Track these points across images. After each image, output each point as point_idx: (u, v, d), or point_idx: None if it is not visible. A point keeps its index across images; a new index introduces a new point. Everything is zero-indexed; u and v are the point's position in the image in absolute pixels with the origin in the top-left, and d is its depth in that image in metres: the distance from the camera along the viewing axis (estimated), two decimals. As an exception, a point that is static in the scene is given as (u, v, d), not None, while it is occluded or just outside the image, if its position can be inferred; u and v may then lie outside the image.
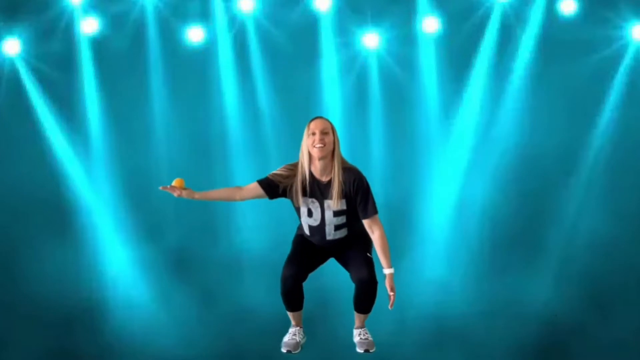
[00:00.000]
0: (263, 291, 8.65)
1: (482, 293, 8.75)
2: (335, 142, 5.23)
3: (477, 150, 8.76)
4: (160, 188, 5.29)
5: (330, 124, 5.24)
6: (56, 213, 8.78)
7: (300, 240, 5.45)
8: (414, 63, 8.75)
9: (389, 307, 5.30)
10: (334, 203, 5.22)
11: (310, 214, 5.31)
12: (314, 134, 5.19)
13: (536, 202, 8.75)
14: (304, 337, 5.57)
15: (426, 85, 8.77)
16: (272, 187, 5.31)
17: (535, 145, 8.70)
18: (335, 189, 5.20)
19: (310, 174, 5.26)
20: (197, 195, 5.33)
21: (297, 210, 5.36)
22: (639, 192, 8.70)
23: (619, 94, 8.61)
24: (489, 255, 8.78)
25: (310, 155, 5.21)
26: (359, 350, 5.52)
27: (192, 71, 8.77)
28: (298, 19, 8.64)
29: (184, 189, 5.31)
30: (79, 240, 8.86)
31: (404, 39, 8.71)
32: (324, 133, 5.20)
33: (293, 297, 5.36)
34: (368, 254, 5.37)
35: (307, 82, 8.73)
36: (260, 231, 8.79)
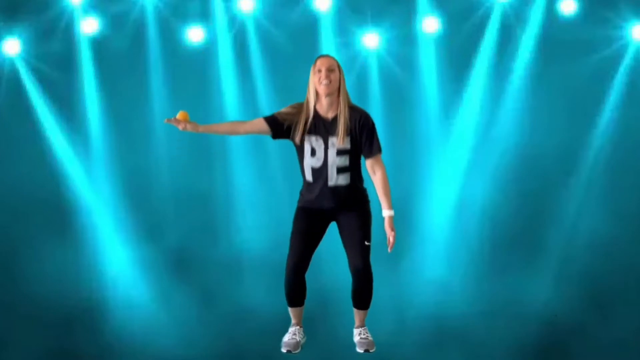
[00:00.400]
0: (263, 291, 8.65)
1: (482, 293, 8.75)
2: (341, 80, 5.27)
3: (477, 150, 8.76)
4: (165, 121, 5.28)
5: (336, 61, 5.29)
6: (56, 213, 8.78)
7: (300, 216, 5.41)
8: (414, 63, 8.76)
9: (389, 250, 5.30)
10: (339, 139, 5.21)
11: (313, 153, 5.28)
12: (320, 71, 5.24)
13: (536, 202, 8.75)
14: (304, 337, 5.57)
15: (426, 85, 8.78)
16: (277, 124, 5.31)
17: (535, 145, 8.70)
18: (341, 125, 5.21)
19: (316, 111, 5.28)
20: (201, 128, 5.38)
21: (300, 151, 5.31)
22: (639, 192, 8.70)
23: (619, 94, 8.61)
24: (489, 255, 8.77)
25: (317, 93, 5.25)
26: (359, 350, 5.52)
27: (192, 71, 8.78)
28: (298, 19, 8.65)
29: (189, 122, 5.32)
30: (79, 240, 8.86)
31: (404, 39, 8.71)
32: (329, 70, 5.24)
33: (295, 292, 5.37)
34: (366, 242, 5.36)
35: (307, 82, 8.71)
36: (260, 231, 8.79)
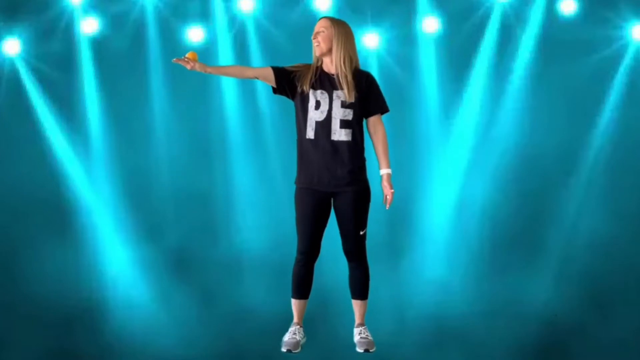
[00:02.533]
0: (263, 291, 8.66)
1: (482, 293, 8.75)
2: (335, 37, 5.34)
3: (477, 150, 8.76)
4: (174, 60, 5.33)
5: (329, 21, 5.39)
6: (56, 213, 8.78)
7: (302, 198, 5.40)
8: (414, 63, 8.76)
9: (386, 207, 5.36)
10: (344, 93, 5.28)
11: (317, 105, 5.33)
12: (315, 33, 5.40)
13: (536, 202, 8.75)
14: (304, 337, 5.57)
15: (426, 85, 8.78)
16: (283, 75, 5.39)
17: (535, 145, 8.70)
18: (344, 80, 5.29)
19: (321, 68, 5.38)
20: (210, 69, 5.47)
21: (304, 105, 5.35)
22: (639, 192, 8.69)
23: (619, 94, 8.61)
24: (489, 255, 8.77)
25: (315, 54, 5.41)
26: (359, 349, 5.52)
27: (192, 71, 8.74)
28: (298, 19, 8.65)
29: (197, 62, 5.36)
30: (79, 240, 8.86)
31: (404, 39, 8.71)
32: (318, 32, 5.37)
33: (302, 281, 5.41)
34: (361, 232, 5.40)
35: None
36: (260, 231, 8.80)
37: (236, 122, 8.86)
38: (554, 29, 8.55)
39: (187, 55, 5.35)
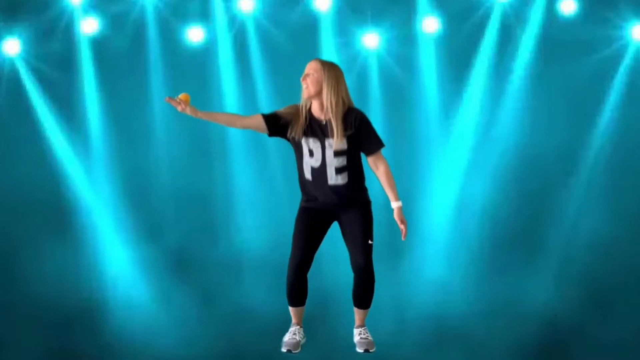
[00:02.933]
0: (263, 291, 8.66)
1: (482, 293, 8.75)
2: (324, 81, 5.24)
3: (477, 150, 8.77)
4: (166, 99, 5.29)
5: (320, 64, 5.28)
6: (56, 213, 8.78)
7: (302, 216, 5.42)
8: (414, 63, 8.76)
9: (402, 239, 5.37)
10: (335, 141, 5.22)
11: (311, 154, 5.29)
12: (304, 75, 5.29)
13: (536, 202, 8.75)
14: (304, 337, 5.57)
15: (426, 85, 8.78)
16: (274, 122, 5.33)
17: (535, 145, 8.70)
18: (335, 127, 5.22)
19: (311, 113, 5.30)
20: (200, 114, 5.38)
21: (299, 152, 5.33)
22: (639, 192, 8.69)
23: (619, 94, 8.61)
24: (489, 255, 8.78)
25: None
26: (359, 350, 5.52)
27: (192, 71, 8.77)
28: (298, 19, 8.65)
29: (189, 105, 5.32)
30: (79, 240, 8.86)
31: (404, 39, 8.71)
32: (306, 74, 5.27)
33: (296, 290, 5.38)
34: (370, 241, 5.37)
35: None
36: (260, 231, 8.80)
37: (236, 122, 8.85)
38: (554, 29, 8.55)
39: (179, 97, 5.30)
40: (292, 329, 5.55)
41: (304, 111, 5.30)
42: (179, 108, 5.27)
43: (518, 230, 8.74)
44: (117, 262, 8.91)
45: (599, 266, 8.70)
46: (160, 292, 8.88)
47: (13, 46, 8.63)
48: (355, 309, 5.52)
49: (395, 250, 8.74)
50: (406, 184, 8.71)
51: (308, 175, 5.34)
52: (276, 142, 8.74)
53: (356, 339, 5.54)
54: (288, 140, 5.37)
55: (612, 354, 8.65)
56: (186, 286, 8.86)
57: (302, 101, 5.31)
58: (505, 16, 8.63)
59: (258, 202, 8.86)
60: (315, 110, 5.29)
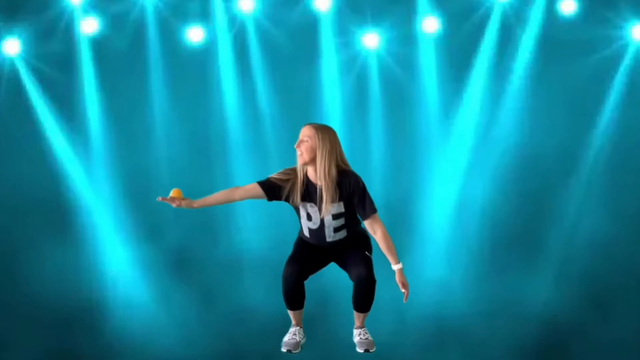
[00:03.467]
0: (263, 291, 8.65)
1: (482, 293, 8.75)
2: (318, 147, 5.22)
3: (477, 150, 8.76)
4: (159, 199, 5.29)
5: (313, 130, 5.24)
6: (56, 213, 8.78)
7: (301, 243, 5.47)
8: (414, 63, 8.75)
9: (404, 301, 5.38)
10: (325, 208, 5.24)
11: (309, 217, 5.34)
12: (298, 142, 5.27)
13: (536, 202, 8.75)
14: (304, 337, 5.57)
15: (426, 85, 8.78)
16: (272, 189, 5.33)
17: (535, 145, 8.70)
18: (325, 194, 5.22)
19: (307, 178, 5.30)
20: (196, 204, 5.41)
21: (298, 213, 5.38)
22: (639, 192, 8.69)
23: (619, 94, 8.61)
24: (489, 255, 8.78)
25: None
26: (359, 350, 5.52)
27: (192, 71, 8.78)
28: (298, 19, 8.65)
29: (183, 199, 5.31)
30: (79, 240, 8.86)
31: (404, 39, 8.71)
32: (302, 141, 5.24)
33: (294, 295, 5.37)
34: (367, 253, 5.38)
35: (307, 82, 8.74)
36: (260, 231, 8.80)
37: (236, 122, 8.86)
38: (554, 29, 8.55)
39: (171, 194, 5.28)
40: (292, 329, 5.55)
41: (300, 175, 5.29)
42: (174, 205, 5.29)
43: (518, 230, 8.74)
44: (117, 262, 8.91)
45: (599, 266, 8.70)
46: (160, 292, 8.88)
47: (13, 46, 8.63)
48: (355, 313, 5.52)
49: (396, 250, 8.73)
50: (406, 184, 8.76)
51: (307, 233, 5.40)
52: (276, 141, 8.79)
53: (356, 339, 5.54)
54: (287, 202, 5.37)
55: (612, 354, 8.65)
56: (186, 286, 8.86)
57: (298, 166, 5.30)
58: (505, 16, 8.63)
59: (258, 202, 8.81)
60: (311, 175, 5.29)
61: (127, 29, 8.73)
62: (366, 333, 5.53)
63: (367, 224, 5.34)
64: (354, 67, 8.75)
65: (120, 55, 8.73)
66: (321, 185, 5.24)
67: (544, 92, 8.65)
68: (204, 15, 8.75)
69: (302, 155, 5.23)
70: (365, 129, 8.81)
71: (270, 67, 8.75)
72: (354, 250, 5.39)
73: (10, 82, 8.71)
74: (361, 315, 5.51)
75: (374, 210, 5.29)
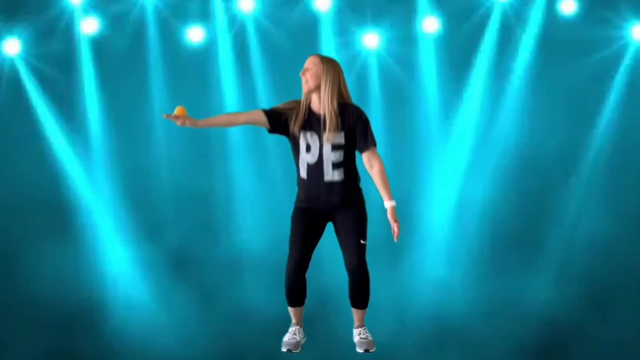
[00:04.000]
0: (263, 291, 8.65)
1: (482, 293, 8.75)
2: (322, 75, 5.29)
3: (477, 150, 8.77)
4: (164, 116, 5.27)
5: (319, 58, 5.34)
6: (56, 213, 8.78)
7: (298, 216, 5.43)
8: (414, 63, 8.76)
9: (395, 240, 5.31)
10: (327, 135, 5.25)
11: (308, 148, 5.32)
12: (303, 71, 5.33)
13: (536, 202, 8.75)
14: (304, 337, 5.57)
15: (426, 85, 8.78)
16: (275, 117, 5.34)
17: (535, 145, 8.70)
18: (328, 121, 5.25)
19: (310, 108, 5.33)
20: (200, 123, 5.32)
21: (296, 147, 5.35)
22: (639, 192, 8.70)
23: (619, 94, 8.62)
24: (489, 255, 8.78)
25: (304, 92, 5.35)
26: (359, 350, 5.52)
27: (192, 71, 8.78)
28: (298, 19, 8.65)
29: (187, 117, 5.28)
30: (79, 240, 8.86)
31: (404, 39, 8.71)
32: (305, 69, 5.32)
33: (296, 291, 5.38)
34: (362, 241, 5.37)
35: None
36: (260, 231, 8.80)
37: (236, 122, 8.85)
38: (554, 29, 8.55)
39: (175, 112, 5.27)
40: (292, 328, 5.55)
41: (304, 106, 5.33)
42: (178, 123, 5.24)
43: (518, 230, 8.75)
44: (117, 262, 8.91)
45: (599, 266, 8.70)
46: (160, 292, 8.88)
47: (13, 46, 8.63)
48: (353, 310, 5.52)
49: (395, 250, 8.73)
50: (406, 184, 8.75)
51: (304, 173, 5.35)
52: (276, 141, 8.76)
53: (356, 339, 5.54)
54: (288, 137, 5.38)
55: (612, 354, 8.65)
56: (186, 286, 8.86)
57: (303, 96, 5.34)
58: (505, 16, 8.63)
59: (258, 202, 8.86)
60: (315, 105, 5.32)
61: (127, 29, 8.73)
62: (366, 333, 5.53)
63: (365, 157, 5.31)
64: (354, 67, 8.75)
65: (120, 55, 8.73)
66: (324, 113, 5.26)
67: (544, 92, 8.65)
68: (204, 15, 8.75)
69: (307, 82, 5.29)
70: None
71: (270, 67, 8.76)
72: (351, 232, 5.36)
73: (10, 82, 8.72)
74: (359, 312, 5.51)
75: (374, 144, 5.32)
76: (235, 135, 8.86)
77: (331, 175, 5.32)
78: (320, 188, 5.34)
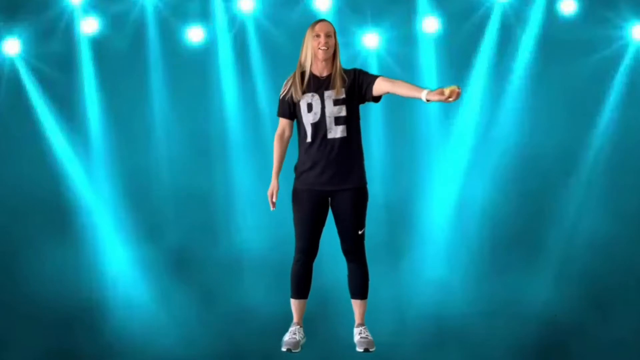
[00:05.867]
0: (263, 291, 8.66)
1: (482, 293, 8.75)
2: (336, 44, 5.45)
3: (477, 150, 8.77)
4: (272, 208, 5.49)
5: (333, 27, 5.47)
6: (56, 213, 8.78)
7: (300, 199, 5.45)
8: (414, 63, 8.76)
9: (454, 96, 5.17)
10: (335, 91, 5.36)
11: (310, 108, 5.39)
12: (318, 36, 5.39)
13: (536, 202, 8.75)
14: (304, 337, 5.58)
15: (426, 85, 8.74)
16: (287, 109, 5.48)
17: (535, 145, 8.70)
18: (338, 79, 5.38)
19: (311, 72, 5.43)
20: (276, 175, 5.55)
21: (299, 112, 5.42)
22: (639, 192, 8.70)
23: (619, 94, 8.62)
24: (489, 255, 8.78)
25: (313, 55, 5.41)
26: (359, 349, 5.52)
27: (192, 71, 8.78)
28: (298, 19, 8.64)
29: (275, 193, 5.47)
30: (79, 240, 8.86)
31: (404, 39, 8.72)
32: (327, 36, 5.40)
33: (302, 279, 5.42)
34: (360, 231, 5.40)
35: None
36: (260, 231, 8.79)
37: (236, 122, 8.86)
38: (554, 29, 8.55)
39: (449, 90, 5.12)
40: (292, 328, 5.56)
41: (303, 69, 5.44)
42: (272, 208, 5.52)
43: (518, 230, 8.75)
44: (117, 262, 8.91)
45: (599, 266, 8.70)
46: (160, 292, 8.88)
47: (13, 46, 8.63)
48: (354, 303, 5.53)
49: (395, 250, 8.75)
50: (406, 184, 8.76)
51: (307, 136, 5.40)
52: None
53: (356, 338, 5.54)
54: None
55: (612, 354, 8.65)
56: (186, 286, 8.86)
57: (308, 59, 5.42)
58: (505, 16, 8.64)
59: (258, 202, 8.84)
60: (318, 68, 5.42)
61: (127, 29, 8.73)
62: (366, 332, 5.53)
63: (384, 86, 5.39)
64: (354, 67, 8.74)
65: (120, 55, 8.73)
66: (333, 75, 5.39)
67: (544, 92, 8.65)
68: (204, 15, 8.75)
69: (327, 50, 5.39)
70: (365, 129, 8.76)
71: (270, 67, 8.75)
72: (350, 215, 5.38)
73: (10, 82, 8.72)
74: (360, 306, 5.50)
75: (379, 74, 5.47)
76: (235, 135, 8.86)
77: (334, 132, 5.38)
78: (323, 147, 5.38)
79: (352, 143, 5.42)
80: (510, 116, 8.72)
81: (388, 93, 5.42)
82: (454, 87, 5.08)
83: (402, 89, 5.37)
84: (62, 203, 8.79)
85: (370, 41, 8.70)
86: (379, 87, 5.41)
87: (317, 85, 5.41)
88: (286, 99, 5.47)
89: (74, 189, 8.84)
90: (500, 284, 8.76)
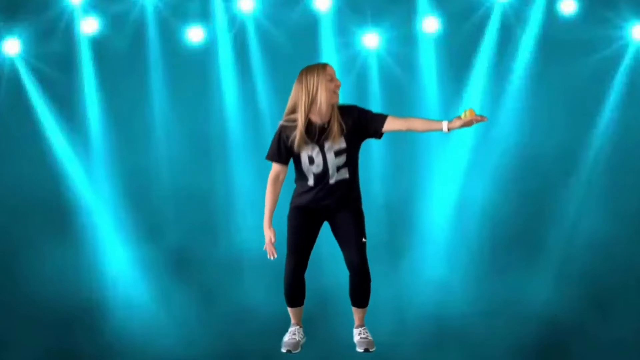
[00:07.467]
0: (263, 291, 8.65)
1: (482, 293, 8.75)
2: None
3: (477, 150, 8.77)
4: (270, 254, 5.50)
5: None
6: (56, 213, 8.78)
7: (295, 216, 5.46)
8: (414, 63, 8.76)
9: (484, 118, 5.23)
10: (332, 142, 5.24)
11: (311, 161, 5.32)
12: (332, 80, 5.26)
13: (536, 202, 8.75)
14: (303, 337, 5.58)
15: (426, 85, 8.78)
16: (287, 154, 5.34)
17: (535, 145, 8.70)
18: (335, 127, 5.23)
19: (309, 120, 5.28)
20: (269, 223, 5.69)
21: (298, 162, 5.36)
22: (639, 192, 8.70)
23: (619, 94, 8.62)
24: (489, 255, 8.78)
25: (328, 98, 5.23)
26: (359, 349, 5.52)
27: (192, 71, 8.78)
28: (298, 19, 8.65)
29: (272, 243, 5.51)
30: (79, 240, 8.86)
31: (404, 39, 8.71)
32: (337, 83, 5.31)
33: (294, 291, 5.40)
34: (363, 239, 5.38)
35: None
36: (260, 231, 8.73)
37: (236, 122, 8.86)
38: (554, 29, 8.55)
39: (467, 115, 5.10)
40: (291, 329, 5.56)
41: (301, 118, 5.25)
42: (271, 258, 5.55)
43: (518, 230, 8.75)
44: (117, 262, 8.91)
45: (599, 266, 8.70)
46: (160, 292, 8.88)
47: (13, 46, 8.63)
48: (354, 309, 5.52)
49: (395, 250, 8.75)
50: (406, 184, 8.76)
51: (312, 182, 5.36)
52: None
53: (356, 338, 5.54)
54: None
55: (612, 354, 8.65)
56: (186, 286, 8.86)
57: (321, 102, 5.22)
58: (505, 16, 8.63)
59: (258, 202, 8.83)
60: (320, 115, 5.27)
61: (127, 29, 8.73)
62: (366, 332, 5.53)
63: (397, 124, 5.27)
64: (354, 67, 8.75)
65: (120, 55, 8.73)
66: (329, 121, 5.23)
67: (544, 92, 8.65)
68: (204, 15, 8.75)
69: (337, 95, 5.27)
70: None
71: (270, 67, 8.75)
72: (351, 227, 5.37)
73: (10, 82, 8.72)
74: (360, 311, 5.51)
75: (387, 114, 5.31)
76: (235, 135, 8.86)
77: (336, 177, 5.34)
78: (326, 188, 5.36)
79: (353, 182, 5.39)
80: (510, 116, 8.72)
81: (400, 131, 5.32)
82: (467, 111, 5.06)
83: (418, 125, 5.32)
84: (62, 203, 8.79)
85: (370, 41, 8.70)
86: (390, 128, 5.30)
87: (317, 135, 5.27)
88: (282, 144, 5.33)
89: (74, 189, 8.85)
90: (500, 284, 8.76)
